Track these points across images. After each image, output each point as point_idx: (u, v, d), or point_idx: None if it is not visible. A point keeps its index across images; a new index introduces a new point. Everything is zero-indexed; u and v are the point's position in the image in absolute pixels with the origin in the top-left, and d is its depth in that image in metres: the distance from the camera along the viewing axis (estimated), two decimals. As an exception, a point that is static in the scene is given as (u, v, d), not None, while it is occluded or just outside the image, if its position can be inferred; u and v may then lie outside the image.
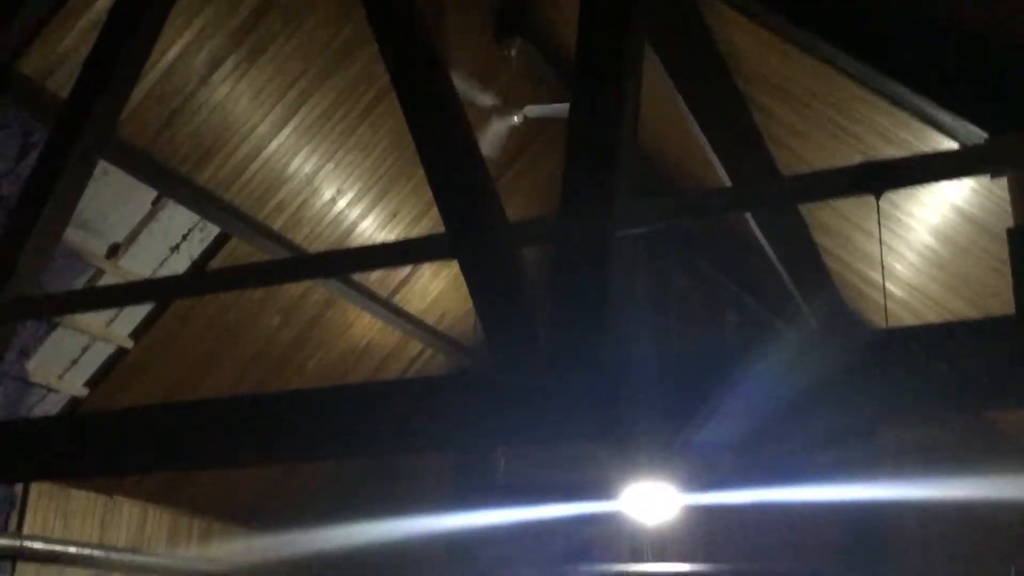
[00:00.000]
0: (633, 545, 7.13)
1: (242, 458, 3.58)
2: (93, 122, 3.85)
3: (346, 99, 5.85)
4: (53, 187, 3.79)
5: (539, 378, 2.78)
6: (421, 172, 3.07)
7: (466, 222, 2.86)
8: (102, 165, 4.81)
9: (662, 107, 4.37)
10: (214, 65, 5.11)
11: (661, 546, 7.11)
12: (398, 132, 6.06)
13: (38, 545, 5.33)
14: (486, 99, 5.62)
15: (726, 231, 6.89)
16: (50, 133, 4.01)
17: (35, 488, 5.57)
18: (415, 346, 7.83)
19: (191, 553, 6.74)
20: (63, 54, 4.52)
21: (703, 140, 4.23)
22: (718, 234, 7.20)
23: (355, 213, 6.51)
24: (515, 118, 5.89)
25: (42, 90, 4.53)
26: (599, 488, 6.75)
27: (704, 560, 6.97)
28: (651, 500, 6.64)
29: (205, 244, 5.81)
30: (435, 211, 6.72)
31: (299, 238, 6.22)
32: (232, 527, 7.10)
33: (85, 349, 5.69)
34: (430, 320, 7.64)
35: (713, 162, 4.46)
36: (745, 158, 4.26)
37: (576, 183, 2.60)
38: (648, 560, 7.12)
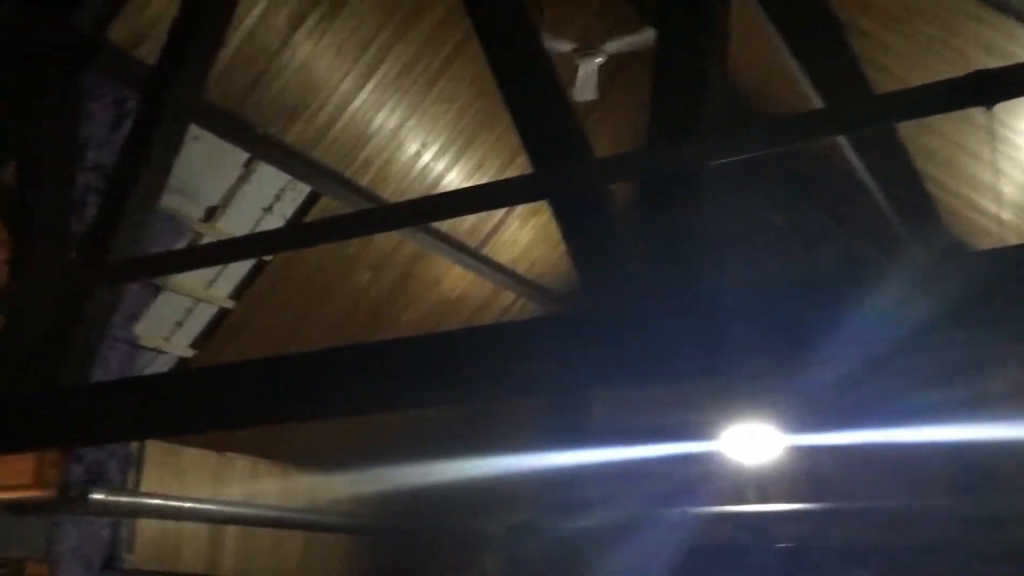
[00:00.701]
0: (735, 486, 7.07)
1: (343, 408, 3.62)
2: (182, 87, 3.92)
3: (426, 51, 5.82)
4: (147, 153, 3.87)
5: (634, 316, 2.74)
6: (504, 121, 3.04)
7: (554, 160, 2.82)
8: (193, 129, 4.89)
9: (750, 32, 4.21)
10: (295, 24, 5.14)
11: (764, 487, 7.03)
12: (479, 82, 6.01)
13: (156, 502, 5.55)
14: (564, 45, 5.50)
15: (820, 163, 6.67)
16: (140, 100, 4.10)
17: (150, 447, 5.79)
18: (507, 296, 7.84)
19: (300, 503, 6.93)
20: (150, 21, 4.59)
21: (795, 66, 4.07)
22: (811, 166, 6.98)
23: (440, 166, 6.51)
24: (598, 59, 5.78)
25: (132, 58, 4.62)
26: (697, 430, 6.70)
27: (809, 500, 6.87)
28: (752, 440, 6.57)
29: (297, 203, 5.90)
30: (520, 160, 6.69)
31: (387, 193, 6.25)
32: (337, 475, 7.26)
33: (189, 311, 5.85)
34: (520, 269, 7.64)
35: (805, 90, 4.30)
36: (840, 82, 4.09)
37: (664, 112, 2.53)
38: (751, 501, 7.06)
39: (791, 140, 2.65)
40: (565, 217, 2.82)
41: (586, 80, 5.65)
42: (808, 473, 6.90)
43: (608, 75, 6.51)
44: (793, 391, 5.73)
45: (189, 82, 3.95)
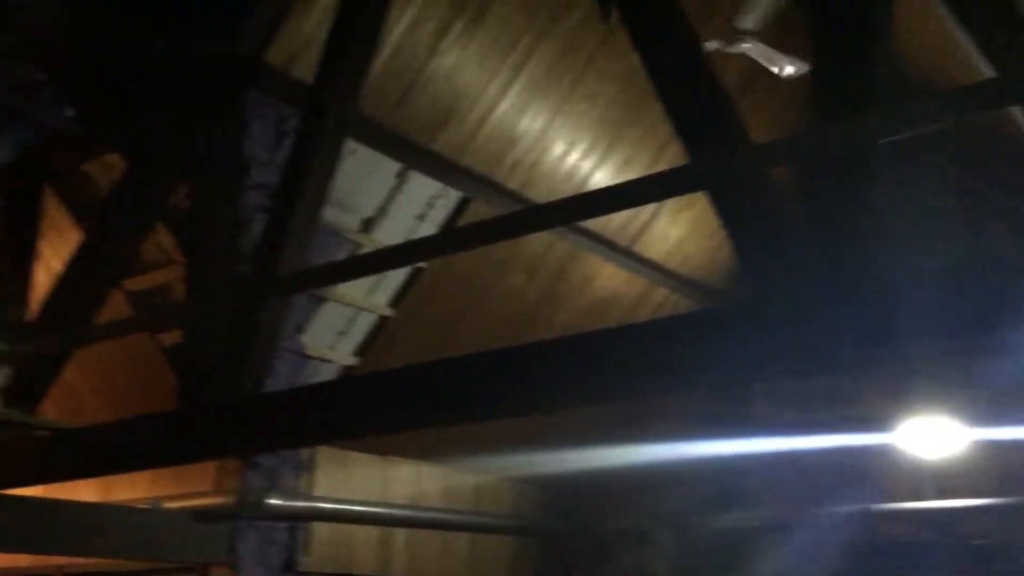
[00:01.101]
0: (913, 482, 6.73)
1: (502, 410, 3.64)
2: (338, 103, 4.04)
3: (569, 50, 5.81)
4: (309, 169, 4.00)
5: (802, 305, 2.63)
6: (651, 117, 2.99)
7: (711, 149, 2.75)
8: (349, 143, 5.03)
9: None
10: (441, 34, 5.22)
11: (945, 482, 6.66)
12: (623, 78, 5.96)
13: (329, 505, 5.74)
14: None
15: (991, 137, 6.28)
16: (300, 118, 4.24)
17: (321, 453, 5.99)
18: (660, 293, 7.73)
19: (464, 504, 7.03)
20: (305, 40, 4.76)
21: (960, 33, 3.84)
22: (981, 141, 6.59)
23: (588, 164, 6.48)
24: (745, 44, 5.61)
25: (289, 78, 4.80)
26: (871, 423, 6.42)
27: (996, 496, 6.46)
28: (932, 434, 6.25)
29: (448, 210, 5.99)
30: (669, 154, 6.58)
31: (535, 195, 6.27)
32: (496, 474, 7.33)
33: (351, 320, 6.03)
34: (672, 265, 7.52)
35: (973, 60, 4.05)
36: (1012, 48, 3.82)
37: (828, 89, 2.42)
38: (929, 497, 6.71)
39: (964, 112, 2.49)
40: (725, 207, 2.74)
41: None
42: (993, 467, 6.50)
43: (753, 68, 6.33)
44: (977, 380, 5.41)
45: (345, 97, 4.07)
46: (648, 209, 6.93)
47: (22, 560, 5.74)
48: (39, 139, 4.53)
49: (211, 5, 4.57)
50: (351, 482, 6.23)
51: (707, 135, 2.78)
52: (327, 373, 6.08)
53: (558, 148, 6.25)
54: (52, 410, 5.77)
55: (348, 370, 6.18)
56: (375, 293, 6.05)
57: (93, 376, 6.17)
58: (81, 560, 5.60)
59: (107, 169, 5.48)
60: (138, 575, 5.69)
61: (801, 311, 2.62)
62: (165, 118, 4.69)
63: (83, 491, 6.43)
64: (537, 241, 6.48)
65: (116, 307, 5.40)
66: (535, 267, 6.74)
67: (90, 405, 6.28)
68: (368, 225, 5.77)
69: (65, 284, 4.65)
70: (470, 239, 4.31)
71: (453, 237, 4.77)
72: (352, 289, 5.84)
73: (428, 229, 5.97)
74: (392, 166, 5.62)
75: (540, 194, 6.27)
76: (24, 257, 5.29)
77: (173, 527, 5.27)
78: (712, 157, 2.75)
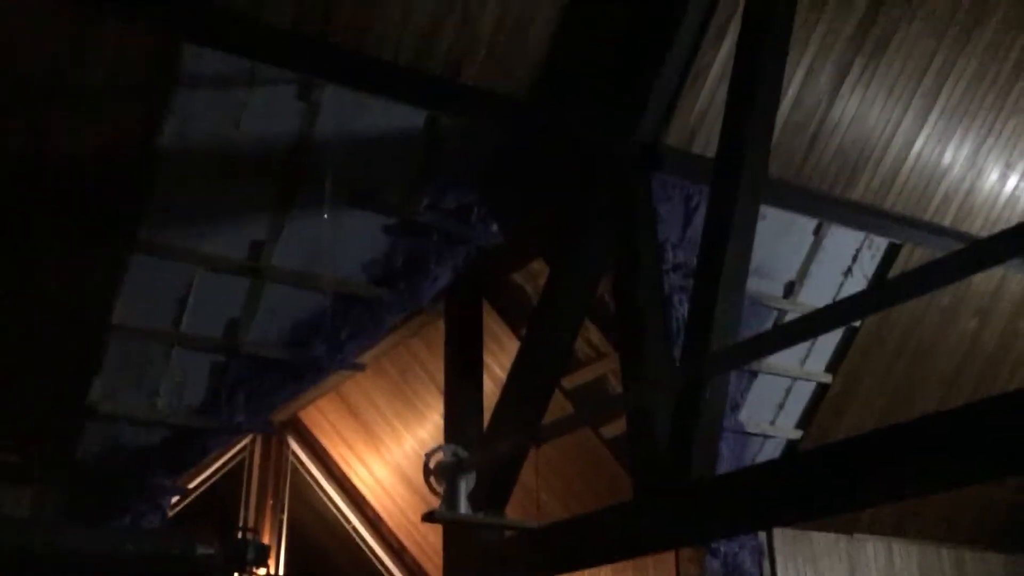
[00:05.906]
0: None
1: (972, 475, 3.12)
2: (747, 169, 3.89)
3: (990, 62, 5.22)
4: (727, 242, 3.87)
5: None
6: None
7: None
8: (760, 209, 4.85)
9: None
10: (840, 76, 4.92)
11: None
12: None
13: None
14: None
15: None
16: (710, 193, 4.13)
17: (778, 535, 5.68)
18: None
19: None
20: (699, 115, 4.70)
21: None
22: None
23: (1032, 184, 5.71)
24: None
25: (690, 155, 4.75)
26: None
27: None
28: None
29: (877, 260, 5.55)
30: None
31: (974, 228, 5.64)
32: (988, 553, 6.49)
33: (788, 391, 5.74)
34: None
35: None
36: None
37: None
38: None
39: None
40: None
41: None
42: None
43: None
44: None
45: (754, 161, 3.91)
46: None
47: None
48: (473, 259, 4.84)
49: (605, 105, 4.66)
50: (815, 564, 5.82)
51: None
52: (771, 449, 5.81)
53: (993, 173, 5.58)
54: (513, 511, 6.07)
55: (793, 444, 5.85)
56: (809, 359, 5.72)
57: (545, 475, 6.40)
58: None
59: (533, 276, 5.76)
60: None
61: None
62: (575, 219, 4.82)
63: (550, 587, 6.65)
64: (987, 280, 5.78)
65: (557, 406, 5.59)
66: (988, 309, 6.00)
67: (546, 504, 6.52)
68: (791, 289, 5.49)
69: (511, 390, 4.87)
70: (906, 290, 3.89)
71: (889, 291, 4.32)
72: (785, 359, 5.56)
73: (856, 283, 5.56)
74: (807, 224, 5.33)
75: (979, 227, 5.63)
76: (472, 370, 5.65)
77: (641, 621, 5.22)
78: None
